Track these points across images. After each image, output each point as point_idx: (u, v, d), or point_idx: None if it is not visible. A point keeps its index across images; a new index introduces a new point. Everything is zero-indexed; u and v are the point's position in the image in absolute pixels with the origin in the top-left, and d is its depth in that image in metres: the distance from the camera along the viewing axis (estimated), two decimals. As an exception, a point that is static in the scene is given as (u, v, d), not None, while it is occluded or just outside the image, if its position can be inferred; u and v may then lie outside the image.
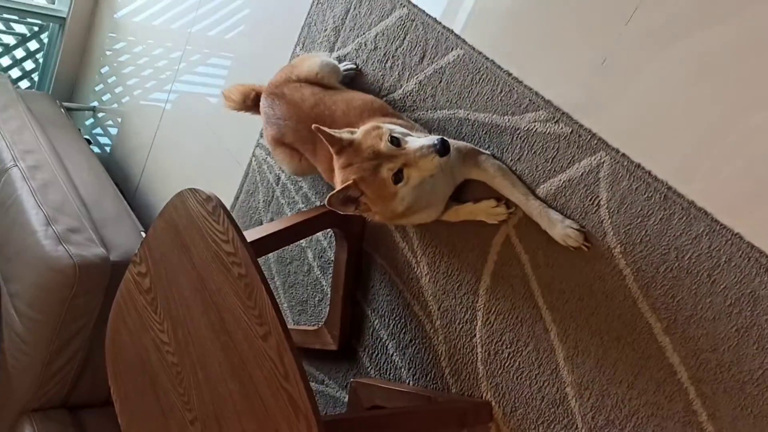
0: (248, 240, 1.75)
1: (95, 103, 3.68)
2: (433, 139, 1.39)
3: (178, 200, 1.70)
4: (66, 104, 3.45)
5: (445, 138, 1.39)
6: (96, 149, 3.63)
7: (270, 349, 1.44)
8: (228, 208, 2.46)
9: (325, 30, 2.10)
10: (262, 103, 1.91)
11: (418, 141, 1.42)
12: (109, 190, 2.74)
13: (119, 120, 3.53)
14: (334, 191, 1.42)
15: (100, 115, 3.69)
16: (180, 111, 3.05)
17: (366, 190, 1.43)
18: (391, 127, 1.43)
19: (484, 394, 1.67)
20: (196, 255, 1.64)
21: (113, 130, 3.60)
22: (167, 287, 1.72)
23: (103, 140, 3.69)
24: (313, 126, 1.40)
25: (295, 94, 1.80)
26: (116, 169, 3.34)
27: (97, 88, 3.68)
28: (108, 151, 3.59)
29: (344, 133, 1.46)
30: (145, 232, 2.54)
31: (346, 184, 1.42)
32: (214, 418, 1.57)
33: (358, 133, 1.44)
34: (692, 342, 1.33)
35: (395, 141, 1.41)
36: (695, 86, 1.35)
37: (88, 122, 3.77)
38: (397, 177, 1.42)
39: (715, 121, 1.32)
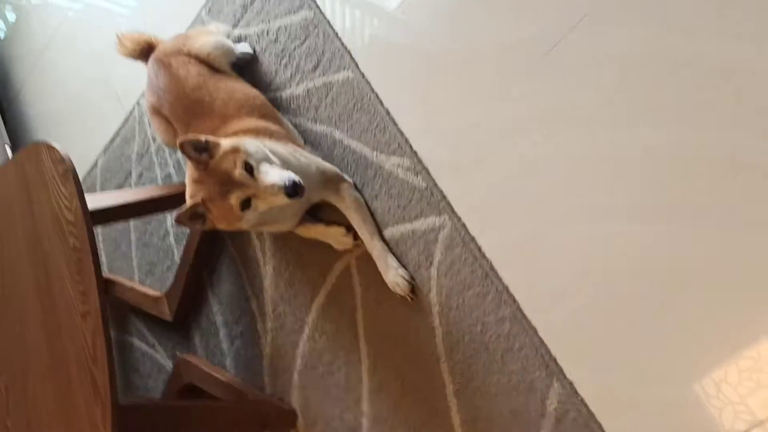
0: (103, 205, 1.75)
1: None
2: (285, 178, 1.38)
3: (33, 150, 1.65)
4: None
5: (297, 182, 1.38)
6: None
7: (86, 329, 1.45)
8: (102, 147, 2.42)
9: (234, 2, 2.06)
10: (149, 66, 1.86)
11: (271, 175, 1.40)
12: (-18, 93, 2.60)
13: (14, 17, 3.31)
14: (182, 209, 1.41)
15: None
16: (82, 24, 2.90)
17: (213, 209, 1.43)
18: (251, 150, 1.43)
19: (293, 402, 1.77)
20: (38, 211, 1.61)
21: (10, 16, 3.38)
22: (4, 231, 1.69)
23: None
24: (179, 140, 1.37)
25: (181, 69, 1.77)
26: None
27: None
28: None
29: (210, 142, 1.42)
30: (11, 147, 2.46)
31: (193, 202, 1.41)
32: (22, 374, 1.57)
33: (219, 151, 1.41)
34: (474, 410, 1.46)
35: (249, 168, 1.40)
36: (536, 184, 1.44)
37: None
38: (244, 204, 1.42)
39: (543, 220, 1.42)
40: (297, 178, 1.40)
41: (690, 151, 1.28)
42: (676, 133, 1.29)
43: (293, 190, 1.38)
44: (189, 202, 1.43)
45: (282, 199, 1.40)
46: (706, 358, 1.22)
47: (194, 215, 1.43)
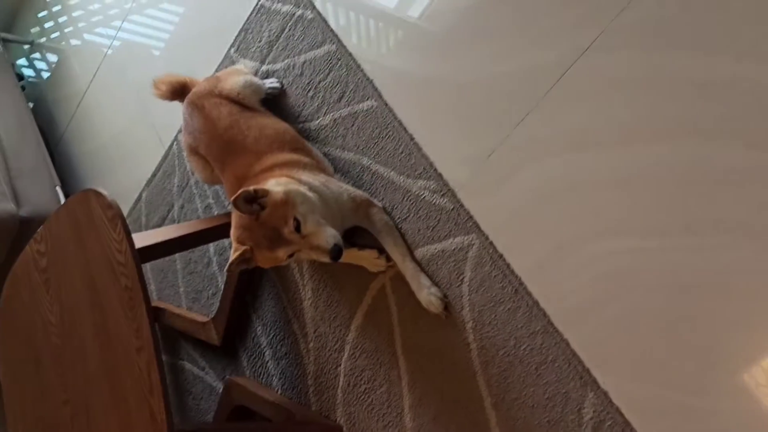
0: (150, 242, 1.85)
1: (42, 39, 3.60)
2: (332, 243, 1.47)
3: (82, 197, 1.76)
4: (3, 35, 3.37)
5: (341, 246, 1.48)
6: (30, 78, 3.58)
7: (141, 363, 1.56)
8: (145, 181, 2.54)
9: (260, 41, 2.15)
10: (184, 108, 1.97)
11: (319, 237, 1.48)
12: (31, 137, 2.75)
13: (56, 59, 3.47)
14: (232, 260, 1.50)
15: (35, 55, 3.62)
16: (120, 61, 3.03)
17: (258, 256, 1.52)
18: (298, 201, 1.50)
19: (338, 419, 1.84)
20: (90, 254, 1.72)
21: (52, 58, 3.55)
22: (62, 274, 1.81)
23: (42, 71, 3.64)
24: (231, 199, 1.45)
25: (214, 111, 1.86)
26: (44, 110, 3.31)
27: (40, 15, 3.60)
28: (42, 86, 3.54)
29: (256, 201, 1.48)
30: (62, 187, 2.60)
31: (242, 250, 1.50)
32: (85, 406, 1.69)
33: (270, 201, 1.48)
34: (512, 421, 1.51)
35: (297, 225, 1.48)
36: (561, 201, 1.49)
37: (21, 60, 3.70)
38: (290, 256, 1.52)
39: (571, 237, 1.47)
40: (340, 241, 1.49)
41: (709, 167, 1.32)
42: (696, 150, 1.34)
43: (338, 254, 1.47)
44: (236, 247, 1.52)
45: (325, 260, 1.49)
46: (749, 348, 1.26)
47: (241, 261, 1.53)
